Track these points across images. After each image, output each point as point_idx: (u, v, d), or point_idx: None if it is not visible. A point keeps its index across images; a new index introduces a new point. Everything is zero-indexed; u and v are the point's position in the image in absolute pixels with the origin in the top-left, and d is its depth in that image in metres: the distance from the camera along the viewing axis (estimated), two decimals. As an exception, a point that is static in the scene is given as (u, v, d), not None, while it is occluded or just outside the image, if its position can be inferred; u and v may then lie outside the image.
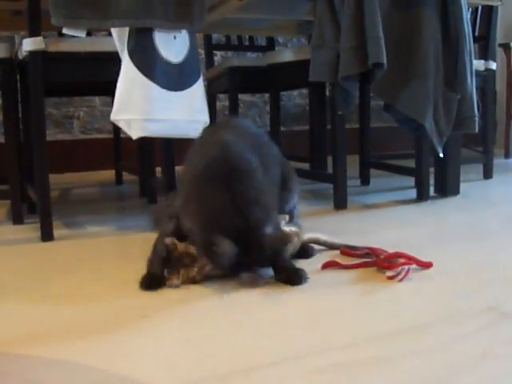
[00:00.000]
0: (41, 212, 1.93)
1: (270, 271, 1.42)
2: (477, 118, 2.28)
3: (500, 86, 4.76)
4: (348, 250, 1.60)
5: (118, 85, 1.74)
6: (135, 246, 1.89)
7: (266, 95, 4.58)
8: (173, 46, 1.80)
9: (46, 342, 1.07)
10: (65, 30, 1.74)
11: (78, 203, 2.84)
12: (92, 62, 1.97)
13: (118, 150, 3.34)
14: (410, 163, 2.62)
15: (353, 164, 2.83)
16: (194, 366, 0.95)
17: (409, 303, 1.23)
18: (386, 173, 2.99)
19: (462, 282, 1.36)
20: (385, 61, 1.97)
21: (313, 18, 2.23)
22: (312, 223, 1.97)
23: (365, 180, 3.09)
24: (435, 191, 2.60)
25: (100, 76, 2.06)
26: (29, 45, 1.87)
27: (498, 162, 3.86)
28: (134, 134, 1.77)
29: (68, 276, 1.52)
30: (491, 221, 2.14)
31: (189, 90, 1.84)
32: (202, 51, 3.36)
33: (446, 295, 1.27)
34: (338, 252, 1.62)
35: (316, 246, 1.63)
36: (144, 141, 1.87)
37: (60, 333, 1.12)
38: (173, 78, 1.79)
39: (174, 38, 1.80)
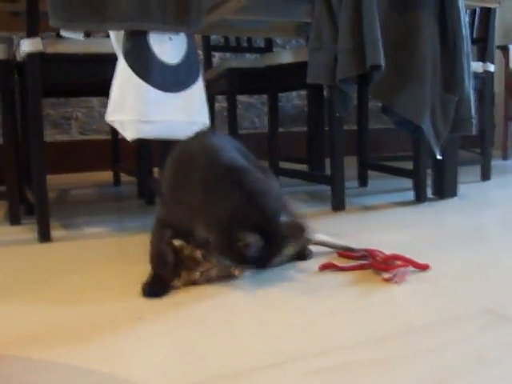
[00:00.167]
0: (38, 213, 1.93)
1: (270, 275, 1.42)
2: (474, 120, 2.29)
3: (498, 87, 4.77)
4: (345, 253, 1.60)
5: (113, 86, 1.74)
6: (133, 247, 1.89)
7: (264, 96, 4.59)
8: (169, 47, 1.80)
9: (41, 345, 1.07)
10: (63, 33, 1.74)
11: (76, 204, 2.84)
12: (90, 63, 1.98)
13: (116, 151, 3.34)
14: (408, 165, 2.63)
15: (351, 165, 2.83)
16: (192, 369, 0.95)
17: (406, 305, 1.23)
18: (383, 174, 3.00)
19: (460, 284, 1.36)
20: (383, 63, 1.97)
21: (311, 20, 2.23)
22: (310, 225, 1.96)
23: (363, 182, 3.10)
24: (433, 193, 2.60)
25: (98, 77, 2.06)
26: (27, 46, 1.87)
27: (496, 163, 3.87)
28: (129, 136, 1.76)
29: (65, 277, 1.52)
30: (489, 223, 2.14)
31: (186, 91, 1.83)
32: (200, 52, 3.37)
33: (443, 297, 1.27)
34: (334, 254, 1.62)
35: (314, 248, 1.63)
36: (142, 142, 1.86)
37: (56, 335, 1.12)
38: (169, 79, 1.78)
39: (170, 39, 1.80)
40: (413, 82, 2.13)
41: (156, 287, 1.34)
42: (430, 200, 2.52)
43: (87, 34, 2.34)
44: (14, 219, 2.19)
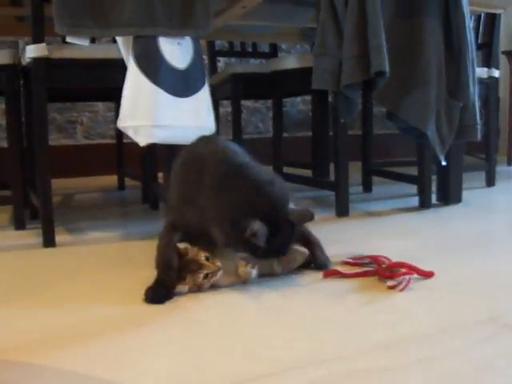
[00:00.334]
0: (43, 217, 1.93)
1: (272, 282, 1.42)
2: (479, 126, 2.28)
3: (503, 93, 4.77)
4: (350, 260, 1.58)
5: (124, 91, 1.73)
6: (137, 252, 1.89)
7: (269, 101, 4.59)
8: (177, 51, 1.80)
9: (45, 350, 1.07)
10: (68, 39, 1.75)
11: (80, 209, 2.84)
12: (95, 68, 1.98)
13: (121, 155, 3.35)
14: (413, 171, 2.62)
15: (355, 171, 2.83)
16: (193, 376, 0.95)
17: (408, 313, 1.22)
18: (388, 180, 2.99)
19: (463, 291, 1.36)
20: (387, 69, 1.97)
21: (316, 26, 2.24)
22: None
23: (367, 187, 3.09)
24: (437, 199, 2.59)
25: (103, 82, 2.06)
26: (32, 51, 1.88)
27: (501, 169, 3.86)
28: (142, 141, 1.76)
29: (69, 282, 1.52)
30: (494, 229, 2.14)
31: (194, 96, 1.83)
32: (205, 57, 3.37)
33: (446, 305, 1.27)
34: (340, 261, 1.61)
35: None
36: (146, 147, 1.86)
37: (59, 340, 1.12)
38: (178, 84, 1.78)
39: (178, 44, 1.80)
40: (418, 88, 2.12)
41: (159, 293, 1.34)
42: (435, 206, 2.51)
43: (92, 40, 2.34)
44: (19, 224, 2.19)
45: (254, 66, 3.18)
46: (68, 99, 3.67)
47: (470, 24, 2.22)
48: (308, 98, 4.65)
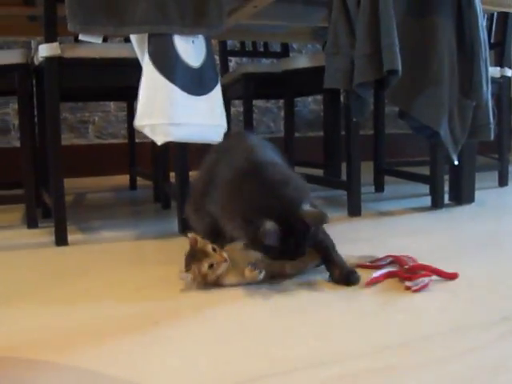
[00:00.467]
0: (55, 216, 1.94)
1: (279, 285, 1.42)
2: (492, 126, 2.27)
3: (516, 92, 4.73)
4: (365, 264, 1.55)
5: (141, 90, 1.73)
6: (149, 251, 1.89)
7: (281, 101, 4.59)
8: (192, 50, 1.80)
9: (58, 348, 1.08)
10: (81, 37, 1.75)
11: (93, 208, 2.85)
12: (108, 67, 1.98)
13: (133, 155, 3.36)
14: (425, 170, 2.61)
15: (367, 171, 2.82)
16: (205, 375, 0.94)
17: (422, 313, 1.22)
18: (400, 180, 2.98)
19: (477, 291, 1.35)
20: (400, 68, 1.96)
21: (328, 25, 2.23)
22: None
23: (379, 187, 3.08)
24: (450, 199, 2.58)
25: (115, 81, 2.07)
26: (45, 51, 1.88)
27: (514, 169, 3.84)
28: (159, 140, 1.75)
29: (81, 281, 1.53)
30: (507, 229, 2.12)
31: (208, 95, 1.83)
32: (216, 57, 3.37)
33: (460, 305, 1.26)
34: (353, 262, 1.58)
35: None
36: (158, 146, 1.87)
37: (72, 338, 1.12)
38: (193, 82, 1.78)
39: (192, 42, 1.80)
40: (430, 87, 2.11)
41: None
42: (447, 206, 2.50)
43: (104, 39, 2.35)
44: (32, 222, 2.20)
45: (265, 65, 3.17)
46: (80, 99, 3.68)
47: (483, 22, 2.21)
48: (319, 97, 4.64)
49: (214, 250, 1.38)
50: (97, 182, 3.91)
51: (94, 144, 4.23)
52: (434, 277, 1.41)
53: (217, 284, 1.39)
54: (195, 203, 1.66)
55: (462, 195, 2.55)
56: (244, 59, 4.32)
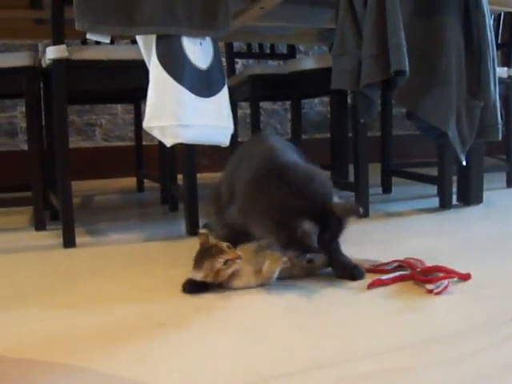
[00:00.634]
0: (63, 219, 1.94)
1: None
2: (500, 126, 2.26)
3: (523, 93, 4.71)
4: (374, 269, 1.54)
5: (149, 92, 1.72)
6: (156, 253, 1.89)
7: (287, 103, 4.58)
8: (200, 51, 1.80)
9: (67, 350, 1.08)
10: (89, 36, 1.74)
11: (100, 210, 2.85)
12: (115, 69, 1.98)
13: (140, 157, 3.36)
14: (433, 171, 2.60)
15: (374, 172, 2.82)
16: (213, 375, 0.94)
17: (432, 314, 1.21)
18: (408, 181, 2.97)
19: (486, 292, 1.34)
20: (407, 68, 1.96)
21: (334, 26, 2.23)
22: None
23: (387, 188, 3.08)
24: (458, 200, 2.57)
25: (123, 83, 2.07)
26: (52, 53, 1.89)
27: (522, 170, 3.82)
28: (168, 141, 1.75)
29: (90, 283, 1.53)
30: (515, 230, 2.11)
31: (216, 96, 1.83)
32: (223, 59, 3.37)
33: (470, 306, 1.25)
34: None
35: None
36: (165, 148, 1.87)
37: (81, 340, 1.12)
38: (201, 83, 1.78)
39: (200, 44, 1.80)
40: (438, 88, 2.11)
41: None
42: (455, 207, 2.49)
43: (111, 41, 2.35)
44: (40, 225, 2.20)
45: (272, 67, 3.17)
46: (87, 101, 3.69)
47: (490, 22, 2.20)
48: (326, 99, 4.63)
49: (228, 247, 1.38)
50: (104, 184, 3.91)
51: (102, 147, 4.24)
52: (455, 279, 1.41)
53: (226, 286, 1.39)
54: (216, 205, 1.66)
55: (470, 196, 2.54)
56: (250, 61, 4.32)
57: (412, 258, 1.53)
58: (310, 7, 2.67)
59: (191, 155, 2.07)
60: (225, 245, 1.37)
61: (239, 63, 4.34)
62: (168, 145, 1.76)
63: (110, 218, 2.56)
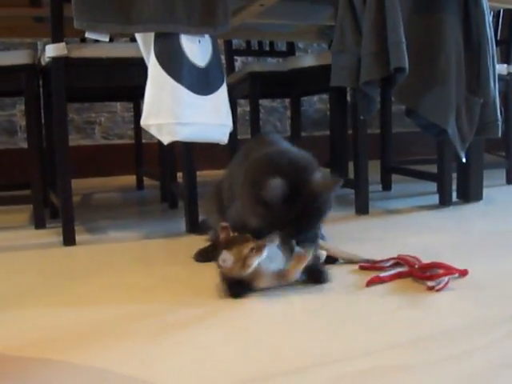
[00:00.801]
0: (63, 217, 1.94)
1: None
2: (500, 123, 2.26)
3: (523, 90, 4.70)
4: (368, 265, 1.54)
5: (147, 90, 1.72)
6: (156, 251, 1.89)
7: (287, 100, 4.58)
8: (198, 49, 1.79)
9: (66, 347, 1.08)
10: (88, 34, 1.74)
11: (100, 208, 2.85)
12: (114, 67, 1.98)
13: (139, 155, 3.36)
14: (432, 168, 2.60)
15: (374, 169, 2.82)
16: (216, 373, 0.94)
17: (431, 311, 1.21)
18: (407, 178, 2.97)
19: (486, 290, 1.34)
20: (407, 65, 1.95)
21: (334, 23, 2.23)
22: (333, 229, 1.95)
23: (386, 185, 3.08)
24: (458, 197, 2.57)
25: (122, 81, 2.07)
26: (51, 51, 1.89)
27: (521, 167, 3.82)
28: (166, 139, 1.75)
29: (89, 281, 1.53)
30: (515, 227, 2.11)
31: (214, 94, 1.83)
32: (222, 57, 3.37)
33: (469, 303, 1.25)
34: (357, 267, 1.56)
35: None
36: (165, 146, 1.87)
37: (81, 338, 1.12)
38: (199, 81, 1.78)
39: (199, 41, 1.80)
40: (437, 85, 2.10)
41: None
42: (455, 204, 2.49)
43: (110, 39, 2.35)
44: (39, 223, 2.20)
45: (271, 64, 3.17)
46: (86, 99, 3.69)
47: (489, 19, 2.20)
48: (325, 96, 4.63)
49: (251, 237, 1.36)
50: (104, 182, 3.91)
51: (101, 145, 4.24)
52: (456, 275, 1.41)
53: (251, 286, 1.36)
54: (217, 204, 1.66)
55: (469, 193, 2.54)
56: (250, 58, 4.31)
57: (407, 255, 1.53)
58: (310, 4, 2.66)
59: (190, 153, 2.07)
60: (248, 235, 1.36)
61: (238, 61, 4.33)
62: (165, 143, 1.76)
63: (109, 215, 2.56)
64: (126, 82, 2.08)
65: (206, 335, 1.11)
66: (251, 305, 1.28)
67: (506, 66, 3.00)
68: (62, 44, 1.88)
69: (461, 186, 2.58)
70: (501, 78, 2.79)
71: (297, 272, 1.36)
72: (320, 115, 4.80)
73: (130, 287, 1.46)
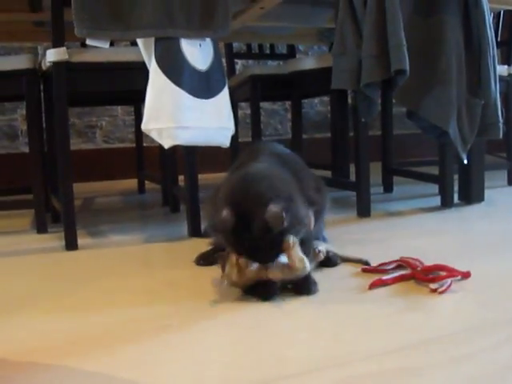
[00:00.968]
0: (65, 221, 1.94)
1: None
2: (501, 124, 2.26)
3: (524, 91, 4.70)
4: (371, 268, 1.54)
5: (148, 94, 1.73)
6: (159, 255, 1.89)
7: (288, 103, 4.58)
8: (199, 53, 1.79)
9: (69, 352, 1.07)
10: (88, 42, 1.75)
11: (102, 212, 2.85)
12: (115, 71, 1.99)
13: (141, 158, 3.36)
14: (434, 170, 2.60)
15: (375, 171, 2.82)
16: (218, 376, 0.94)
17: (434, 313, 1.21)
18: (409, 180, 2.97)
19: (489, 291, 1.34)
20: (407, 67, 1.95)
21: (334, 26, 2.23)
22: (335, 232, 1.95)
23: (388, 187, 3.08)
24: (459, 198, 2.57)
25: (123, 86, 2.07)
26: (52, 55, 1.89)
27: (523, 168, 3.81)
28: (166, 143, 1.75)
29: (92, 285, 1.53)
30: (517, 228, 2.11)
31: (216, 97, 1.83)
32: (222, 60, 3.37)
33: (472, 305, 1.25)
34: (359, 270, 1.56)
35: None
36: (166, 149, 1.87)
37: (83, 342, 1.12)
38: (200, 85, 1.78)
39: (200, 45, 1.80)
40: (438, 87, 2.10)
41: None
42: (457, 205, 2.49)
43: (111, 43, 2.35)
44: (41, 227, 2.21)
45: (272, 67, 3.17)
46: (87, 103, 3.69)
47: (490, 20, 2.20)
48: (326, 98, 4.63)
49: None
50: (105, 186, 3.91)
51: (102, 148, 4.24)
52: (459, 277, 1.41)
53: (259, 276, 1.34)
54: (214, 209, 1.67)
55: (471, 194, 2.54)
56: (250, 61, 4.32)
57: (410, 257, 1.53)
58: (310, 7, 2.67)
59: (192, 156, 2.07)
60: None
61: (239, 64, 4.34)
62: (166, 146, 1.76)
63: (111, 219, 2.56)
64: (127, 86, 2.08)
65: (208, 339, 1.11)
66: (253, 308, 1.28)
67: (506, 67, 3.00)
68: (63, 49, 1.88)
69: (462, 188, 2.58)
70: (501, 79, 2.79)
71: (306, 266, 1.35)
72: (321, 117, 4.80)
73: (133, 291, 1.46)
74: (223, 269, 1.33)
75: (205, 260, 1.64)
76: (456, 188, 2.55)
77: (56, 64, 1.89)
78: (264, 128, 4.52)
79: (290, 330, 1.15)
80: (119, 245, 2.02)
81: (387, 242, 1.88)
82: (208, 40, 1.83)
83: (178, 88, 1.71)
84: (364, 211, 2.32)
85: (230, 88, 1.95)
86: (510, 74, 3.01)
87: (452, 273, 1.40)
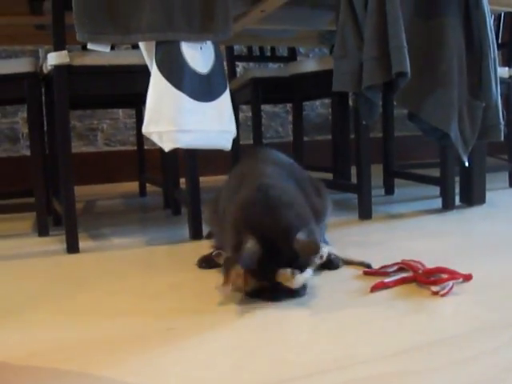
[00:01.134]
0: (66, 224, 1.94)
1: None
2: (502, 126, 2.26)
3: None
4: (372, 271, 1.54)
5: (148, 97, 1.73)
6: (160, 257, 1.89)
7: (289, 105, 4.59)
8: (200, 56, 1.79)
9: (73, 356, 1.07)
10: (89, 46, 1.75)
11: (103, 215, 2.85)
12: (116, 74, 1.99)
13: (142, 161, 3.36)
14: (435, 172, 2.60)
15: (377, 173, 2.82)
16: (220, 380, 0.94)
17: (436, 316, 1.21)
18: (410, 182, 2.97)
19: (491, 294, 1.34)
20: (409, 70, 1.95)
21: (335, 28, 2.23)
22: (337, 234, 1.95)
23: (389, 189, 3.07)
24: (461, 200, 2.57)
25: (124, 89, 2.07)
26: (54, 59, 1.89)
27: (524, 170, 3.81)
28: (167, 146, 1.75)
29: (93, 288, 1.53)
30: (519, 230, 2.11)
31: (217, 100, 1.83)
32: (224, 63, 3.37)
33: (474, 307, 1.25)
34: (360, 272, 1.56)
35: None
36: (168, 152, 1.87)
37: (87, 346, 1.12)
38: (201, 88, 1.78)
39: (200, 48, 1.80)
40: (439, 89, 2.10)
41: None
42: (458, 207, 2.49)
43: (112, 46, 2.36)
44: (43, 230, 2.21)
45: (273, 70, 3.17)
46: (89, 106, 3.70)
47: (491, 22, 2.20)
48: (327, 101, 4.64)
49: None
50: (106, 189, 3.92)
51: (103, 151, 4.24)
52: (460, 280, 1.41)
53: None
54: (216, 213, 1.66)
55: (472, 196, 2.54)
56: (251, 64, 4.32)
57: (411, 260, 1.52)
58: (311, 9, 2.67)
59: (193, 159, 2.07)
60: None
61: (240, 66, 4.35)
62: (166, 149, 1.76)
63: (112, 222, 2.56)
64: (129, 89, 2.09)
65: (210, 342, 1.11)
66: (256, 311, 1.27)
67: (507, 69, 2.99)
68: (64, 52, 1.88)
69: (464, 190, 2.58)
70: (502, 81, 2.80)
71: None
72: (322, 120, 4.80)
73: (135, 294, 1.46)
74: (227, 275, 1.30)
75: (207, 263, 1.64)
76: (457, 190, 2.55)
77: (57, 67, 1.90)
78: (265, 130, 4.53)
79: (291, 333, 1.15)
80: (121, 248, 2.02)
81: (388, 244, 1.88)
82: (209, 43, 1.83)
83: (178, 91, 1.71)
84: (365, 213, 2.32)
85: (230, 91, 1.95)
86: (510, 76, 3.01)
87: (454, 275, 1.40)
